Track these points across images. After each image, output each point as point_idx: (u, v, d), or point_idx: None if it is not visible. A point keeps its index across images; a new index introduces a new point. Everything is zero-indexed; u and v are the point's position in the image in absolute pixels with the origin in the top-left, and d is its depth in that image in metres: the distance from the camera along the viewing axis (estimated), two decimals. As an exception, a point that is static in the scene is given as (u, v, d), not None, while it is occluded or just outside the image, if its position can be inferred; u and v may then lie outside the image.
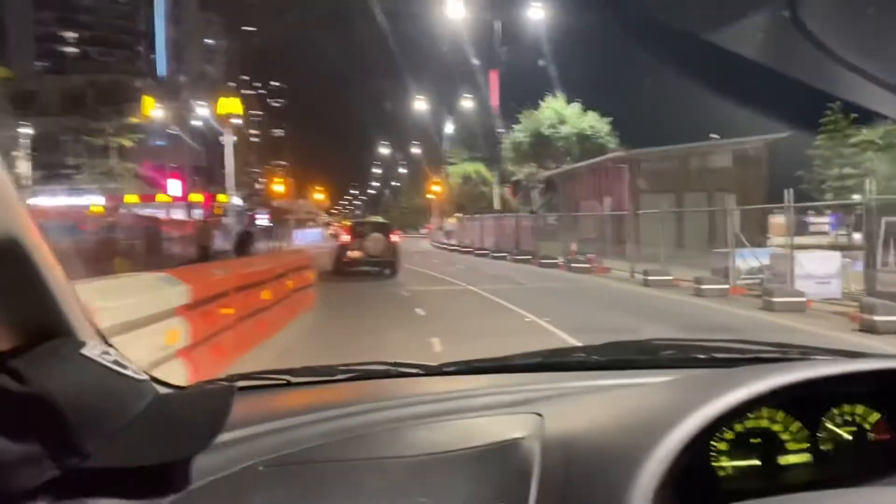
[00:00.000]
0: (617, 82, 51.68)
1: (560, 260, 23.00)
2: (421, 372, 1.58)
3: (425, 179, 74.38)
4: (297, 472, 1.02)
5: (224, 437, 0.98)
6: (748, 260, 14.69)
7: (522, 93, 35.77)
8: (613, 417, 1.07)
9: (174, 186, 42.41)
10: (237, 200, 72.38)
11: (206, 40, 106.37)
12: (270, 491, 0.98)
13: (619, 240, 21.26)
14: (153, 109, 52.38)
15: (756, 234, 18.32)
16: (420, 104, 56.54)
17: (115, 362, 0.84)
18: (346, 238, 19.96)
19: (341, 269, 19.04)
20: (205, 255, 15.60)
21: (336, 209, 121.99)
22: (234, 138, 49.27)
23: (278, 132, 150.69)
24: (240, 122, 71.46)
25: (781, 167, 23.93)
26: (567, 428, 1.05)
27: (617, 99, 41.17)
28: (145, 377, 0.90)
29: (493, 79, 34.33)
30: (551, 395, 1.27)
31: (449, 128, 56.48)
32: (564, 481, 0.93)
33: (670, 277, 15.93)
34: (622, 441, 0.96)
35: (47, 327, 0.85)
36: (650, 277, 16.23)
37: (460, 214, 49.79)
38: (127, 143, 41.87)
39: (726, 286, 14.01)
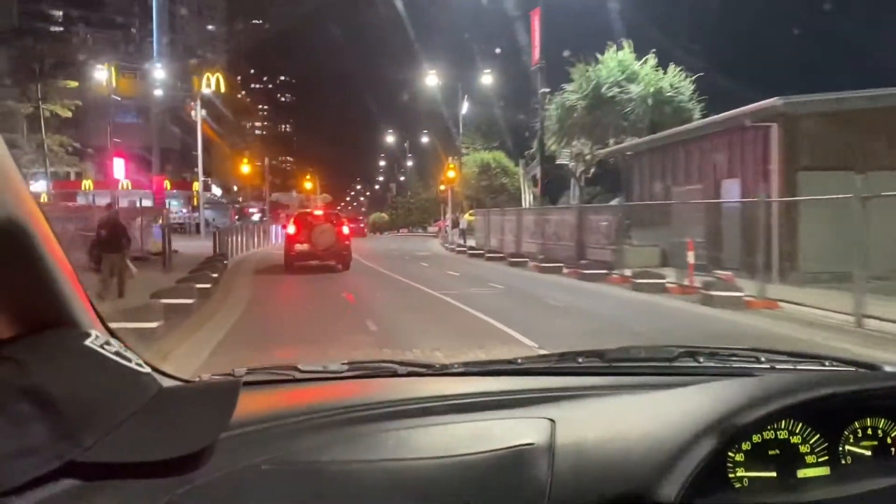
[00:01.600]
0: (705, 25, 41.69)
1: (669, 279, 13.76)
2: (429, 372, 1.54)
3: (434, 172, 66.51)
4: (301, 473, 1.00)
5: (228, 433, 0.94)
6: None
7: (572, 44, 26.45)
8: (627, 426, 1.06)
9: (118, 167, 33.28)
10: (217, 190, 64.34)
11: (207, 26, 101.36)
12: (273, 491, 0.96)
13: (752, 244, 13.28)
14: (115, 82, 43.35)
15: None
16: (431, 84, 47.38)
17: (118, 353, 0.82)
18: (292, 230, 18.56)
19: (289, 264, 18.14)
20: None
21: (340, 205, 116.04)
22: (204, 112, 40.22)
23: (279, 124, 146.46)
24: (222, 105, 63.37)
25: None
26: (579, 435, 1.04)
27: (707, 49, 31.63)
28: (148, 369, 0.86)
29: (535, 21, 24.85)
30: (563, 399, 1.23)
31: (465, 110, 47.31)
32: (576, 490, 0.93)
33: None
34: (637, 452, 0.95)
35: (50, 316, 0.83)
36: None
37: (473, 210, 41.41)
38: (63, 111, 32.76)
39: None
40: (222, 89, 58.67)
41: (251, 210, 71.25)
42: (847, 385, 1.14)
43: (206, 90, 45.83)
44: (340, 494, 0.97)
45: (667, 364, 1.57)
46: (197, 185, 42.92)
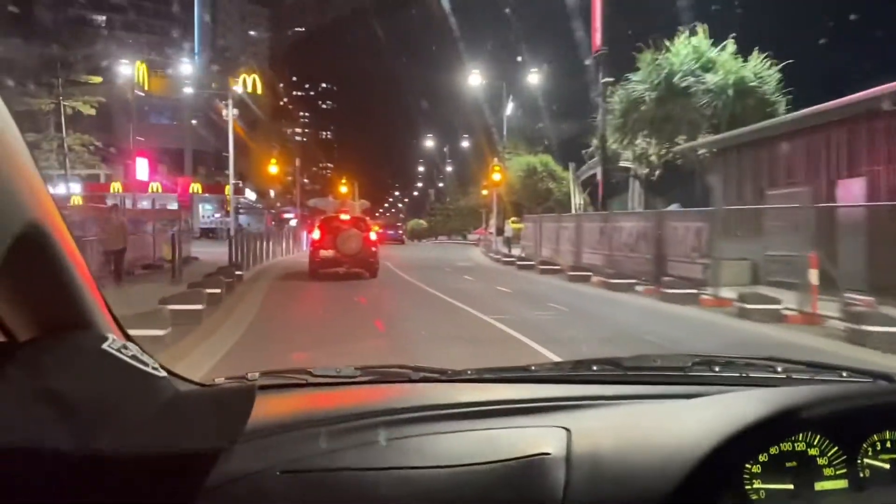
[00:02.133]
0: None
1: (788, 305, 10.76)
2: (443, 378, 1.52)
3: (475, 178, 64.12)
4: (315, 480, 1.00)
5: (243, 438, 0.94)
6: None
7: (636, 32, 23.41)
8: (643, 436, 1.05)
9: (141, 168, 31.32)
10: (251, 194, 62.58)
11: (250, 32, 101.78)
12: (287, 497, 0.97)
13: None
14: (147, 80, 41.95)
15: None
16: (474, 83, 44.64)
17: (134, 357, 0.83)
18: (317, 236, 17.92)
19: (314, 271, 17.47)
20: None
21: (379, 211, 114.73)
22: (236, 111, 38.15)
23: (320, 131, 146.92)
24: (258, 109, 61.73)
25: None
26: (594, 444, 1.04)
27: (793, 38, 28.23)
28: (164, 373, 0.88)
29: (596, 1, 21.86)
30: (578, 408, 1.23)
31: (509, 111, 44.53)
32: (592, 501, 0.93)
33: None
34: (653, 462, 0.95)
35: (68, 319, 0.84)
36: None
37: (516, 217, 38.59)
38: (85, 108, 30.87)
39: None
40: (259, 90, 56.98)
41: (287, 215, 69.52)
42: (865, 397, 1.14)
43: (240, 91, 44.03)
44: (354, 502, 0.97)
45: (682, 373, 1.54)
46: (229, 189, 40.70)
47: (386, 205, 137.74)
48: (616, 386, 1.43)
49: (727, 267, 13.95)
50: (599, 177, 22.32)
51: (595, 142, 25.55)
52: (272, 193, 75.64)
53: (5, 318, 0.82)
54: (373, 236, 18.36)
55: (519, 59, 49.68)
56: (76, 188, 44.16)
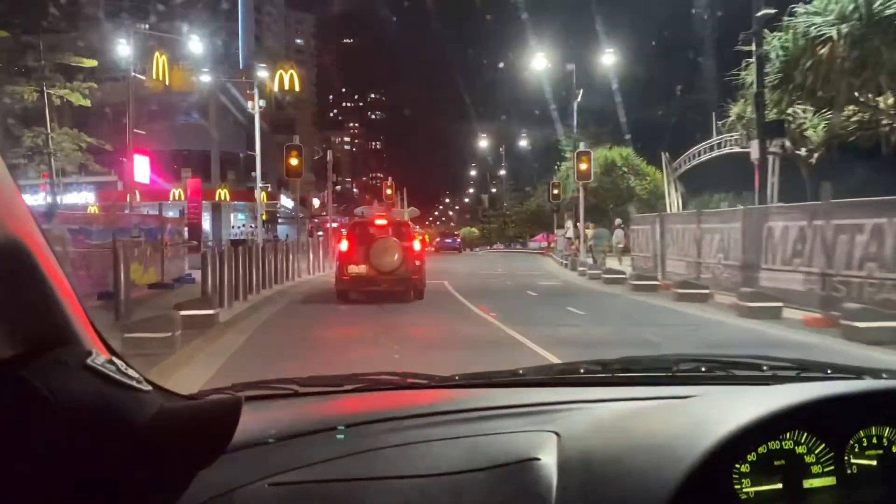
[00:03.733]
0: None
1: None
2: (431, 384, 1.52)
3: (541, 177, 57.79)
4: (304, 492, 0.99)
5: (230, 451, 0.91)
6: None
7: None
8: (632, 438, 1.05)
9: (140, 168, 25.73)
10: (287, 201, 57.16)
11: (296, 40, 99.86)
12: None
13: None
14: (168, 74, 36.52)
15: None
16: (539, 67, 38.06)
17: (119, 371, 0.82)
18: (345, 247, 13.63)
19: (342, 293, 13.44)
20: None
21: (429, 220, 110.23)
22: (263, 102, 32.32)
23: (369, 141, 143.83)
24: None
25: None
26: (585, 448, 1.03)
27: None
28: (149, 387, 0.86)
29: None
30: (567, 411, 1.23)
31: (578, 98, 37.71)
32: None
33: None
34: (643, 464, 0.95)
35: (51, 335, 0.83)
36: None
37: (575, 222, 32.27)
38: (75, 97, 25.39)
39: None
40: (297, 87, 51.29)
41: (332, 225, 64.08)
42: (851, 393, 1.13)
43: (276, 89, 38.48)
44: None
45: (670, 374, 1.53)
46: (259, 193, 34.76)
47: (436, 213, 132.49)
48: (605, 388, 1.42)
49: None
50: (755, 157, 15.25)
51: (735, 110, 18.54)
52: (315, 202, 70.57)
53: None
54: (417, 246, 13.97)
55: (591, 43, 42.85)
56: (90, 197, 39.35)
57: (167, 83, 36.48)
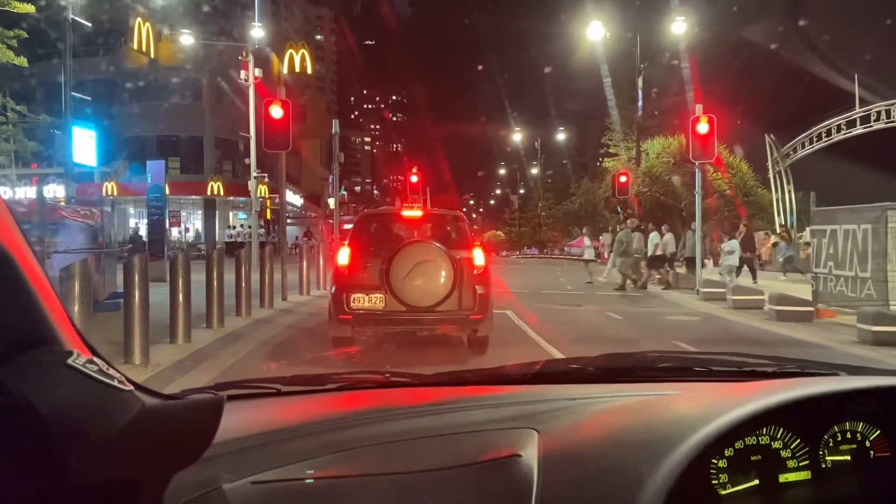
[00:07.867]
0: None
1: None
2: (413, 382, 1.52)
3: (585, 173, 51.27)
4: (287, 490, 0.98)
5: (212, 450, 0.90)
6: None
7: None
8: (612, 434, 1.06)
9: (81, 146, 19.37)
10: (294, 199, 50.85)
11: (316, 37, 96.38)
12: None
13: None
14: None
15: None
16: (594, 37, 31.36)
17: (100, 372, 0.81)
18: (344, 259, 7.74)
19: (337, 331, 7.84)
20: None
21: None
22: (259, 71, 25.79)
23: (390, 143, 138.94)
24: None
25: None
26: (565, 444, 1.04)
27: None
28: (131, 387, 0.86)
29: None
30: (548, 409, 1.22)
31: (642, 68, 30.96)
32: (562, 501, 0.93)
33: None
34: (623, 460, 0.96)
35: (30, 335, 0.81)
36: None
37: (636, 222, 25.80)
38: (3, 53, 19.26)
39: None
40: (308, 69, 44.85)
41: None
42: (825, 389, 1.13)
43: (286, 71, 32.12)
44: None
45: (650, 371, 1.54)
46: (260, 188, 28.14)
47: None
48: (585, 386, 1.42)
49: None
50: None
51: None
52: (331, 203, 64.66)
53: None
54: (479, 259, 7.75)
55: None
56: (59, 191, 33.33)
57: (152, 55, 29.98)
